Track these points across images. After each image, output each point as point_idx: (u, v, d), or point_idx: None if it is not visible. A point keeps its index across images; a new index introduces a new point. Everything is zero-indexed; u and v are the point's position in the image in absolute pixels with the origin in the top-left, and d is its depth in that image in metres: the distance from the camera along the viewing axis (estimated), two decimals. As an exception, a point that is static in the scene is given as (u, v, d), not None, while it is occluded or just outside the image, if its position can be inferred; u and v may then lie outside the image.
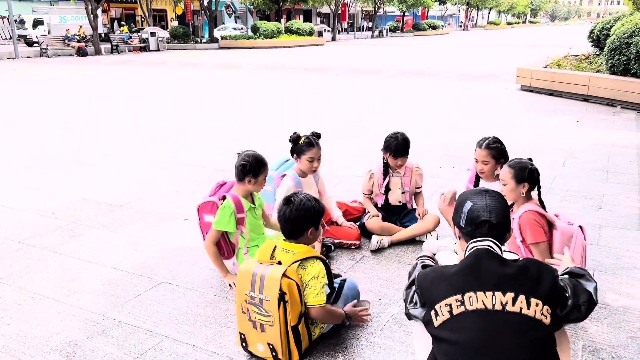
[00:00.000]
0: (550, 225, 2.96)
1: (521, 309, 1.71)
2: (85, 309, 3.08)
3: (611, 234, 4.05)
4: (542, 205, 3.01)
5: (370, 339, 2.75)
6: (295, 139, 3.66)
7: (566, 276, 1.90)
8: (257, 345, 2.54)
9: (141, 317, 2.98)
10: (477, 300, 1.74)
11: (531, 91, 12.13)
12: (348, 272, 3.49)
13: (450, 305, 1.76)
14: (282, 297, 2.41)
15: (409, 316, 1.98)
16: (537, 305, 1.71)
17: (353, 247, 3.79)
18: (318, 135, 3.75)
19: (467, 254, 1.88)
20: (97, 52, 29.31)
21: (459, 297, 1.76)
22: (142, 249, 3.90)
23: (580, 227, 2.87)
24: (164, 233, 4.21)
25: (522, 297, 1.72)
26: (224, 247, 3.30)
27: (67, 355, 2.64)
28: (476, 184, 3.64)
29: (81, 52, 28.34)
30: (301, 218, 2.58)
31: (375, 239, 3.82)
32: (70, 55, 28.67)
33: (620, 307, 3.02)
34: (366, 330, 2.82)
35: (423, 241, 3.85)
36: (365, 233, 3.96)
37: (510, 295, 1.72)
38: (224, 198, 3.26)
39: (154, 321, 2.94)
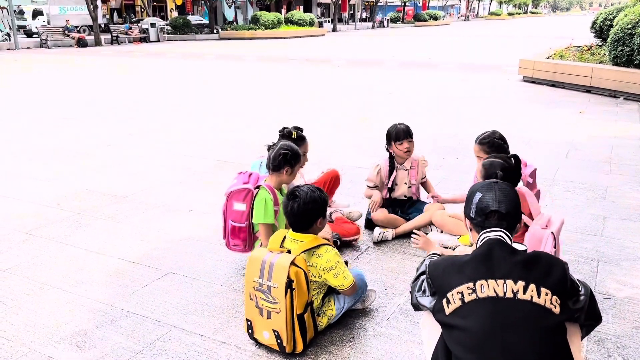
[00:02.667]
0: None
1: (532, 297, 1.73)
2: (94, 299, 3.10)
3: (615, 225, 4.07)
4: None
5: (377, 329, 2.77)
6: (288, 134, 3.59)
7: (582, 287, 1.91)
8: (262, 333, 2.57)
9: (149, 307, 3.00)
10: (489, 287, 1.76)
11: (533, 82, 12.10)
12: (353, 263, 3.51)
13: (462, 292, 1.79)
14: (289, 284, 2.45)
15: (416, 306, 1.99)
16: (546, 294, 1.73)
17: (353, 242, 3.77)
18: (302, 130, 3.72)
19: (479, 244, 1.90)
20: (97, 42, 29.21)
21: (470, 284, 1.78)
22: (148, 240, 3.92)
23: (552, 233, 2.83)
24: (169, 224, 4.23)
25: (532, 286, 1.74)
26: (248, 240, 3.26)
27: (77, 344, 2.67)
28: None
29: (81, 43, 28.26)
30: (310, 210, 2.62)
31: (377, 230, 3.83)
32: (70, 46, 28.58)
33: (625, 298, 3.04)
34: (373, 321, 2.85)
35: (426, 233, 3.86)
36: (371, 225, 3.97)
37: (521, 283, 1.75)
38: (257, 188, 3.18)
39: (162, 311, 2.96)
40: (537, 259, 1.81)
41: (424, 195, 4.18)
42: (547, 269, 1.79)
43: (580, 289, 1.84)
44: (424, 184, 4.13)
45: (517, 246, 1.88)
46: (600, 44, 13.62)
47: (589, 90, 10.58)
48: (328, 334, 2.72)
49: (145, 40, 32.18)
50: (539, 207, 3.03)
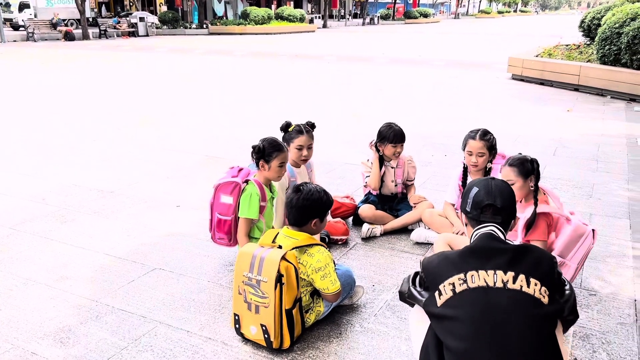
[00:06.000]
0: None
1: (521, 286, 1.77)
2: (78, 294, 3.06)
3: (601, 222, 4.10)
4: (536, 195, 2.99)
5: (364, 325, 2.77)
6: (285, 127, 3.57)
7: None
8: (250, 328, 2.55)
9: (135, 303, 2.97)
10: (479, 278, 1.80)
11: (522, 80, 12.17)
12: (341, 259, 3.51)
13: (453, 283, 1.82)
14: (279, 278, 2.44)
15: (403, 295, 2.01)
16: (535, 284, 1.78)
17: (340, 242, 3.75)
18: (312, 125, 3.67)
19: (472, 239, 1.95)
20: (85, 36, 28.90)
21: (461, 275, 1.82)
22: (134, 235, 3.88)
23: (593, 230, 2.89)
24: (156, 219, 4.19)
25: (522, 276, 1.78)
26: (232, 233, 3.24)
27: (60, 340, 2.63)
28: (464, 182, 3.64)
29: (68, 37, 27.93)
30: (306, 207, 2.63)
31: (366, 226, 3.83)
32: (57, 39, 28.25)
33: (610, 294, 3.06)
34: (360, 317, 2.84)
35: (413, 230, 3.86)
36: (359, 221, 3.97)
37: (510, 274, 1.79)
38: (246, 182, 3.18)
39: (148, 307, 2.93)
40: (526, 251, 1.85)
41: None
42: (537, 261, 1.83)
43: (565, 283, 1.89)
44: (408, 188, 4.13)
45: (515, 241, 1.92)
46: (588, 42, 13.72)
47: (577, 88, 10.65)
48: (315, 329, 2.71)
49: (134, 34, 31.87)
50: (560, 202, 3.08)
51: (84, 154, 6.19)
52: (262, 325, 2.50)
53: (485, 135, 3.44)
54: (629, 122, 7.79)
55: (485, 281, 1.79)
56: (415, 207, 3.96)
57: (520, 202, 3.02)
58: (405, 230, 3.92)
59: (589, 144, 6.51)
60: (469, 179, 3.60)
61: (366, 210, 3.91)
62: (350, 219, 4.10)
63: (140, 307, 2.93)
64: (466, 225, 2.06)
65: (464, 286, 1.80)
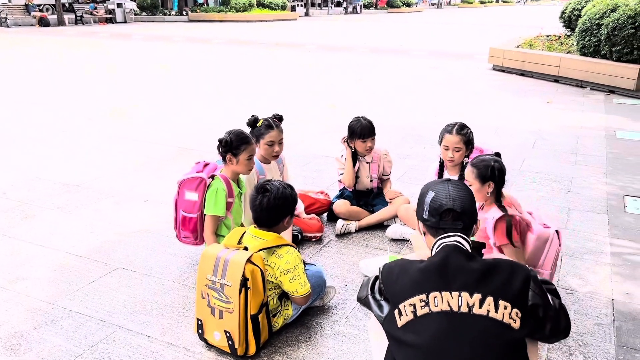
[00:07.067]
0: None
1: (488, 311, 1.59)
2: (34, 297, 2.89)
3: (579, 217, 4.04)
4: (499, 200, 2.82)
5: (335, 328, 2.65)
6: (252, 122, 3.39)
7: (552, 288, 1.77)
8: (213, 333, 2.42)
9: (94, 305, 2.82)
10: (442, 301, 1.61)
11: (503, 71, 12.12)
12: (314, 257, 3.38)
13: (414, 305, 1.64)
14: (244, 283, 2.31)
15: (361, 300, 1.85)
16: (505, 308, 1.59)
17: (314, 239, 3.62)
18: (280, 118, 3.49)
19: (435, 250, 1.75)
20: (60, 22, 28.16)
21: (423, 297, 1.63)
22: (98, 232, 3.70)
23: (556, 231, 2.77)
24: (122, 215, 4.01)
25: (490, 299, 1.60)
26: (198, 231, 3.09)
27: (11, 347, 2.47)
28: (440, 177, 3.52)
29: (43, 22, 27.19)
30: (279, 207, 2.50)
31: (340, 223, 3.71)
32: (32, 25, 27.50)
33: (587, 293, 2.99)
34: (331, 319, 2.72)
35: (388, 226, 3.75)
36: (334, 217, 3.84)
37: (477, 296, 1.60)
38: (212, 178, 3.03)
39: (108, 310, 2.78)
40: (496, 268, 1.66)
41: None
42: (507, 279, 1.64)
43: (550, 300, 1.69)
44: (384, 183, 4.00)
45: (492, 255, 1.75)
46: (568, 33, 13.71)
47: (557, 79, 10.63)
48: (283, 333, 2.59)
49: (111, 20, 31.16)
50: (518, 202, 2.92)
51: (51, 145, 5.95)
52: (226, 332, 2.37)
53: (462, 130, 3.32)
54: (607, 114, 7.77)
55: (449, 305, 1.60)
56: (391, 202, 3.84)
57: (482, 208, 2.84)
58: (380, 226, 3.81)
59: (568, 136, 6.47)
60: (445, 175, 3.49)
61: (341, 205, 3.78)
62: (325, 214, 3.98)
63: (100, 310, 2.78)
64: (424, 234, 1.86)
65: (426, 309, 1.62)
